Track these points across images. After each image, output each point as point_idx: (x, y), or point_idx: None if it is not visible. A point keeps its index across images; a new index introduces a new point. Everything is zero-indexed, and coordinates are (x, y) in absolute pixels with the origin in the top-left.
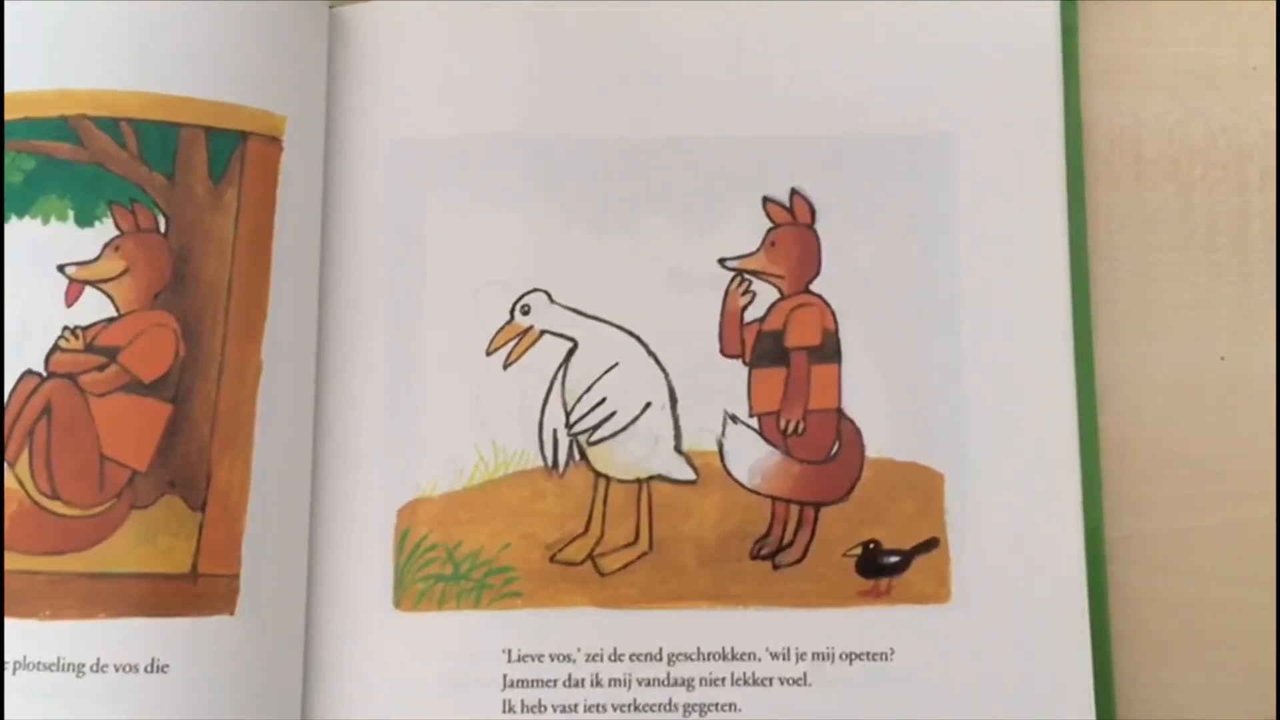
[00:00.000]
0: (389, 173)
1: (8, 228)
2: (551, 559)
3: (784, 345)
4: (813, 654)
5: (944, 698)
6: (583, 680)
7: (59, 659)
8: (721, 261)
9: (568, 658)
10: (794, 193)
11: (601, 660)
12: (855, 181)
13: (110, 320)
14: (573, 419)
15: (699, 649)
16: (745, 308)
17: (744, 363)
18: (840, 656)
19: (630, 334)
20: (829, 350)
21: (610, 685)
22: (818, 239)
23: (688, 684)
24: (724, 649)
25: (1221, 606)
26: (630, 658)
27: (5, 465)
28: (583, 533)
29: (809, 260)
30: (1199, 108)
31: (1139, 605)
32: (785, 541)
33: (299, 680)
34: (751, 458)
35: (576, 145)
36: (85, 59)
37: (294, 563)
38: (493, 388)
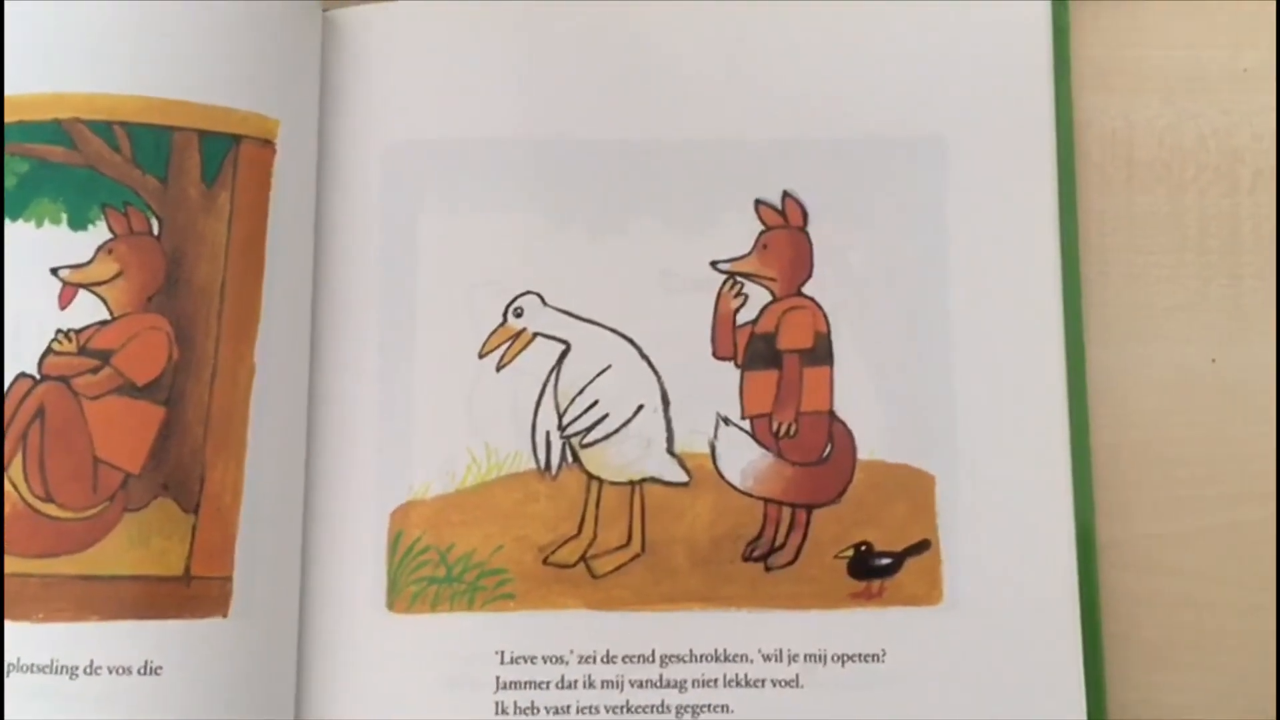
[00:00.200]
0: (382, 175)
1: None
2: (544, 561)
3: (776, 348)
4: (805, 655)
5: (936, 699)
6: (575, 682)
7: (52, 661)
8: (714, 264)
9: (560, 659)
10: (786, 195)
11: (594, 662)
12: (847, 184)
13: (103, 323)
14: (565, 421)
15: (691, 651)
16: (737, 310)
17: (736, 365)
18: (832, 658)
19: (623, 336)
20: (821, 353)
21: (603, 687)
22: (810, 242)
23: (680, 685)
24: (716, 651)
25: (1212, 608)
26: (623, 659)
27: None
28: (575, 535)
29: (801, 263)
30: (1190, 110)
31: (1130, 607)
32: (777, 543)
33: (292, 682)
34: (744, 460)
35: (569, 148)
36: (79, 63)
37: (287, 565)
38: (485, 390)
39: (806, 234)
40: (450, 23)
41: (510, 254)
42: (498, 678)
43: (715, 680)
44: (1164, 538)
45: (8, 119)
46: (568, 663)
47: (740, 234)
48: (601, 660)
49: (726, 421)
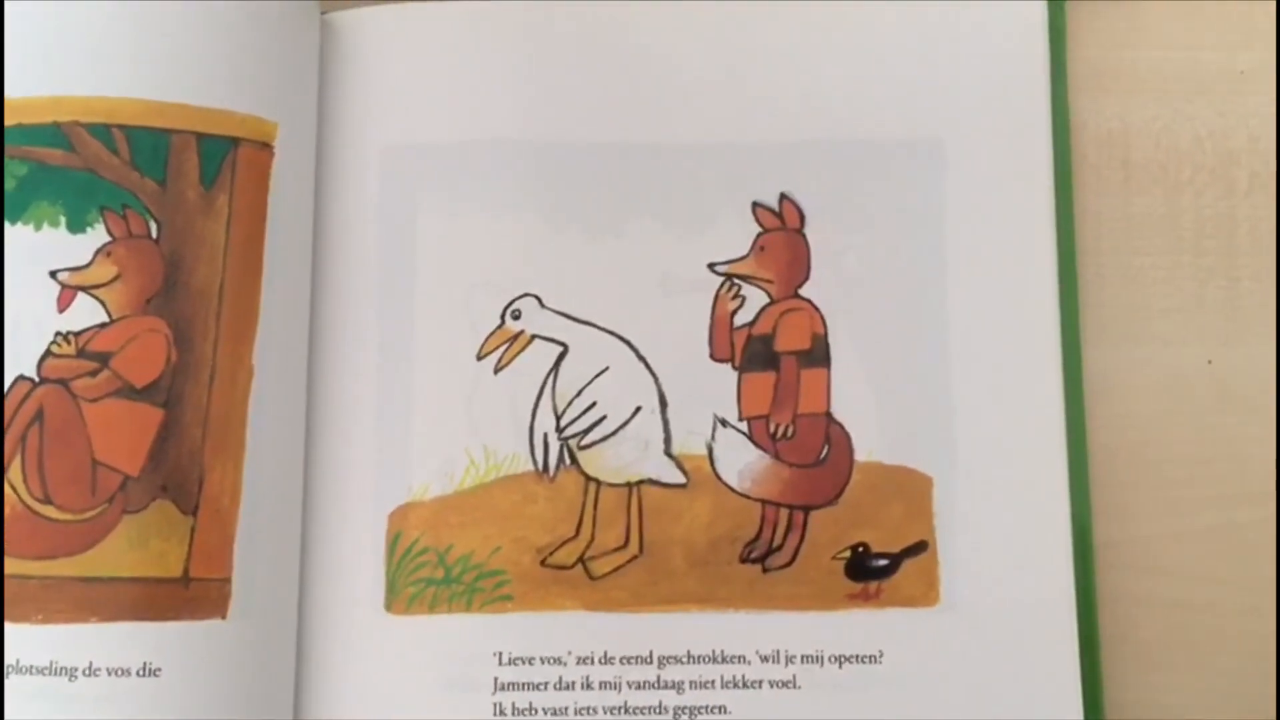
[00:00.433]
0: (380, 177)
1: None
2: (542, 562)
3: (773, 349)
4: (802, 657)
5: (933, 700)
6: (573, 683)
7: (52, 663)
8: (711, 266)
9: (558, 660)
10: (783, 197)
11: (592, 663)
12: (844, 186)
13: (102, 326)
14: (563, 423)
15: (689, 652)
16: (735, 312)
17: (733, 367)
18: (829, 659)
19: (620, 338)
20: (818, 354)
21: (600, 688)
22: (807, 244)
23: (678, 687)
24: (714, 652)
25: (1210, 609)
26: (620, 660)
27: None
28: (573, 536)
29: (798, 265)
30: (1186, 111)
31: (1127, 608)
32: (775, 545)
33: (291, 684)
34: (741, 461)
35: (567, 150)
36: (77, 66)
37: (286, 566)
38: (483, 392)
39: (804, 236)
40: (448, 25)
41: (508, 256)
42: (496, 679)
43: (713, 681)
44: (1161, 539)
45: (7, 122)
46: (566, 664)
47: (738, 236)
48: (599, 661)
49: (724, 423)
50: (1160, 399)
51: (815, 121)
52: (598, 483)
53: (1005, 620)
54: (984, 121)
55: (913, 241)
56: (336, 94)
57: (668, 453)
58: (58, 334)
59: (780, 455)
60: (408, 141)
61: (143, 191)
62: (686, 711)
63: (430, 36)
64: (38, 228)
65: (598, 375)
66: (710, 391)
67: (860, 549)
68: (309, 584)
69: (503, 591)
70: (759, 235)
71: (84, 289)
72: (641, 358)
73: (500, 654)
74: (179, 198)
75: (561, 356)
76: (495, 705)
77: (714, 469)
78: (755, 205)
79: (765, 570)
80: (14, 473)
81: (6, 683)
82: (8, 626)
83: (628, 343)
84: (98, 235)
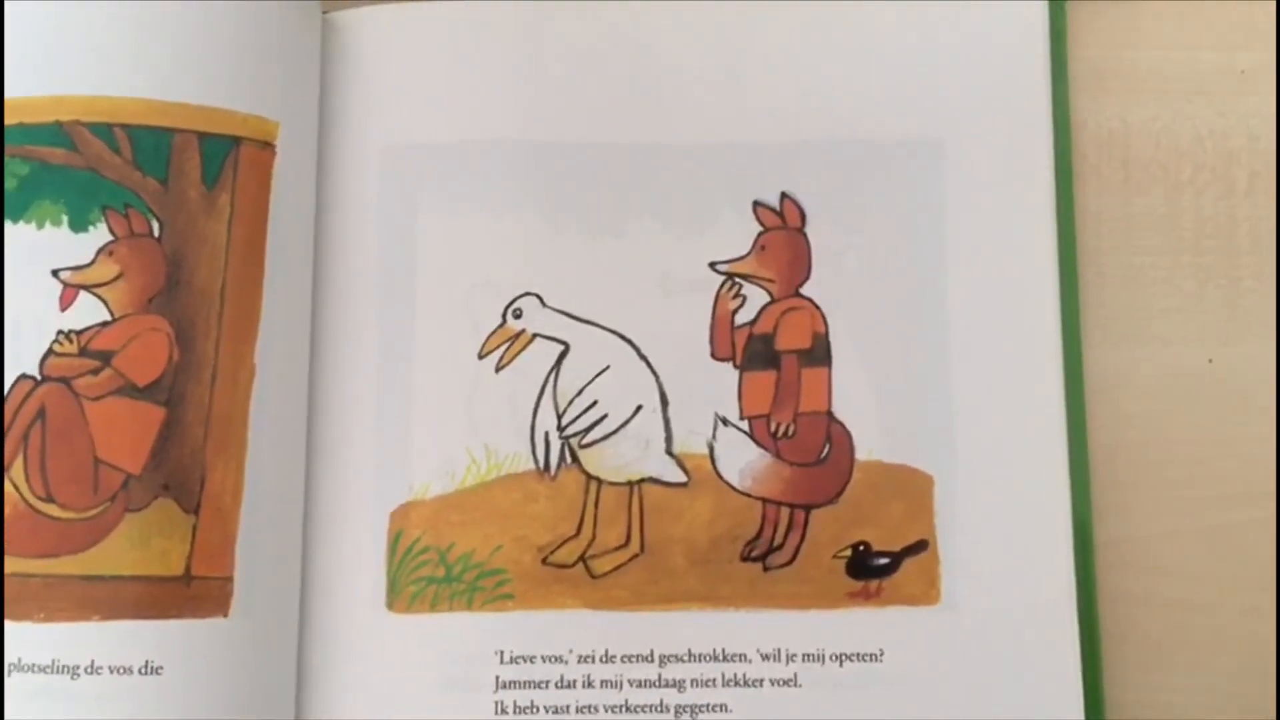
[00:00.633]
0: (381, 177)
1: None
2: (543, 561)
3: (774, 348)
4: (803, 655)
5: (933, 699)
6: (574, 681)
7: (54, 661)
8: (712, 265)
9: (559, 659)
10: (784, 197)
11: (593, 661)
12: (845, 185)
13: (104, 324)
14: (564, 422)
15: (690, 650)
16: (736, 311)
17: (734, 366)
18: (830, 658)
19: (621, 337)
20: (819, 353)
21: (602, 686)
22: (808, 243)
23: (679, 685)
24: (715, 650)
25: (1210, 609)
26: (622, 659)
27: (1, 469)
28: (574, 535)
29: (799, 264)
30: (1187, 111)
31: (1128, 607)
32: (775, 543)
33: (292, 682)
34: (742, 460)
35: (568, 150)
36: (79, 65)
37: (287, 565)
38: (485, 391)
39: (805, 235)
40: (449, 25)
41: (509, 255)
42: (497, 677)
43: (714, 680)
44: (1161, 538)
45: (8, 121)
46: (567, 662)
47: (738, 235)
48: (600, 660)
49: (725, 422)
50: (1160, 398)
51: (815, 121)
52: (599, 481)
53: (1006, 619)
54: (984, 121)
55: (913, 241)
56: (337, 93)
57: (669, 451)
58: (60, 333)
59: (781, 454)
60: (408, 141)
61: (145, 191)
62: (687, 710)
63: (431, 36)
64: (40, 227)
65: (599, 374)
66: (711, 390)
67: (861, 548)
68: (310, 582)
69: (504, 590)
70: (760, 234)
71: (86, 288)
72: (643, 356)
73: (501, 652)
74: (181, 197)
75: (562, 355)
76: (496, 704)
77: (715, 468)
78: (756, 204)
79: (766, 569)
80: (16, 471)
81: (8, 681)
82: (9, 625)
83: (629, 341)
84: (100, 234)
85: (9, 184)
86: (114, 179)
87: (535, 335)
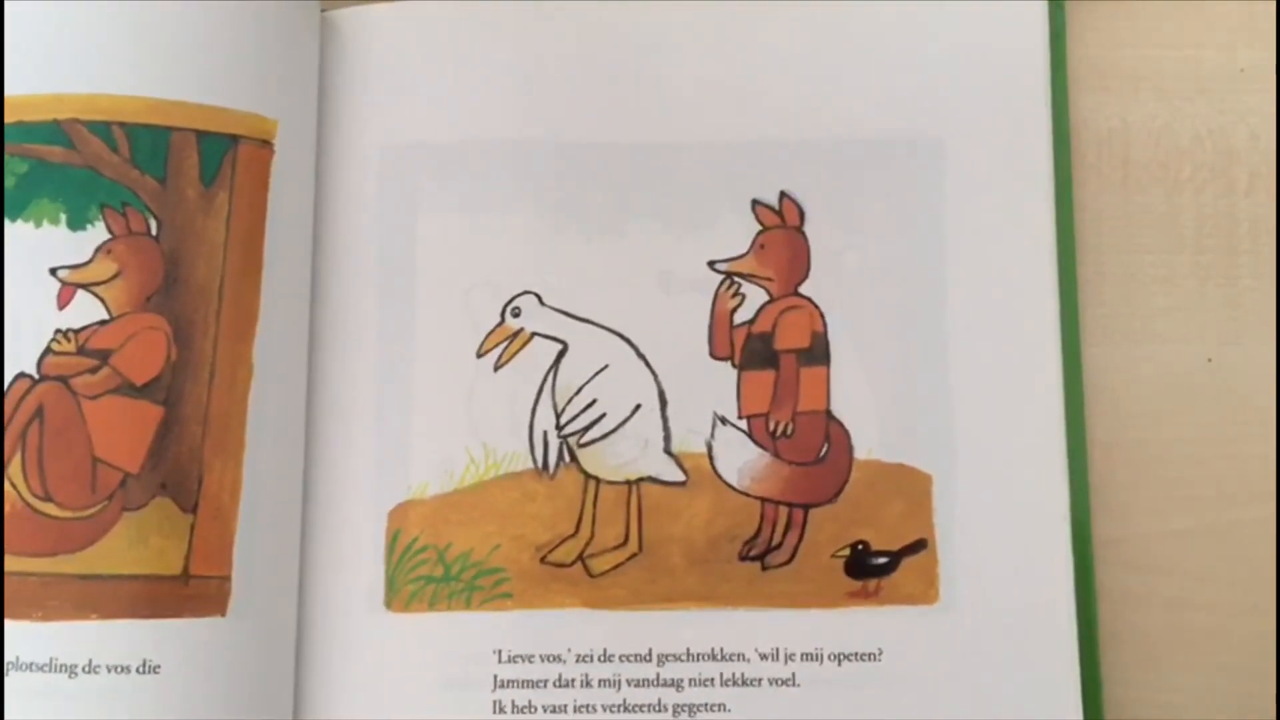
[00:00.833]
0: (380, 176)
1: None
2: (542, 560)
3: (773, 347)
4: (801, 654)
5: (932, 698)
6: (573, 681)
7: (52, 660)
8: (711, 264)
9: (558, 658)
10: (783, 196)
11: (591, 661)
12: (844, 184)
13: (102, 323)
14: (563, 421)
15: (688, 650)
16: (734, 310)
17: (733, 365)
18: (829, 657)
19: (620, 336)
20: (818, 352)
21: (600, 686)
22: (807, 242)
23: (677, 684)
24: (713, 650)
25: (1209, 608)
26: (620, 658)
27: None
28: (573, 534)
29: (798, 263)
30: (1187, 110)
31: (1126, 606)
32: (774, 543)
33: (290, 681)
34: (741, 459)
35: (567, 149)
36: (78, 64)
37: (285, 564)
38: (483, 390)
39: (804, 234)
40: (449, 24)
41: (508, 254)
42: (495, 676)
43: (712, 679)
44: (1160, 537)
45: (7, 119)
46: (565, 661)
47: (737, 234)
48: (599, 659)
49: (724, 421)
50: (1160, 397)
51: (815, 120)
52: (597, 480)
53: (1004, 618)
54: (984, 121)
55: (913, 240)
56: (337, 92)
57: (667, 450)
58: (58, 331)
59: (780, 453)
60: (408, 139)
61: (143, 189)
62: (686, 709)
63: (431, 35)
64: (38, 225)
65: (597, 373)
66: (710, 389)
67: (860, 547)
68: (309, 581)
69: (502, 589)
70: (759, 233)
71: (84, 286)
72: (641, 355)
73: (500, 652)
74: (179, 195)
75: (561, 354)
76: (495, 703)
77: (713, 467)
78: (755, 203)
79: (764, 568)
80: (14, 470)
81: (6, 680)
82: (8, 624)
83: (627, 340)
84: (98, 233)
85: (7, 182)
86: (112, 177)
87: (534, 334)
